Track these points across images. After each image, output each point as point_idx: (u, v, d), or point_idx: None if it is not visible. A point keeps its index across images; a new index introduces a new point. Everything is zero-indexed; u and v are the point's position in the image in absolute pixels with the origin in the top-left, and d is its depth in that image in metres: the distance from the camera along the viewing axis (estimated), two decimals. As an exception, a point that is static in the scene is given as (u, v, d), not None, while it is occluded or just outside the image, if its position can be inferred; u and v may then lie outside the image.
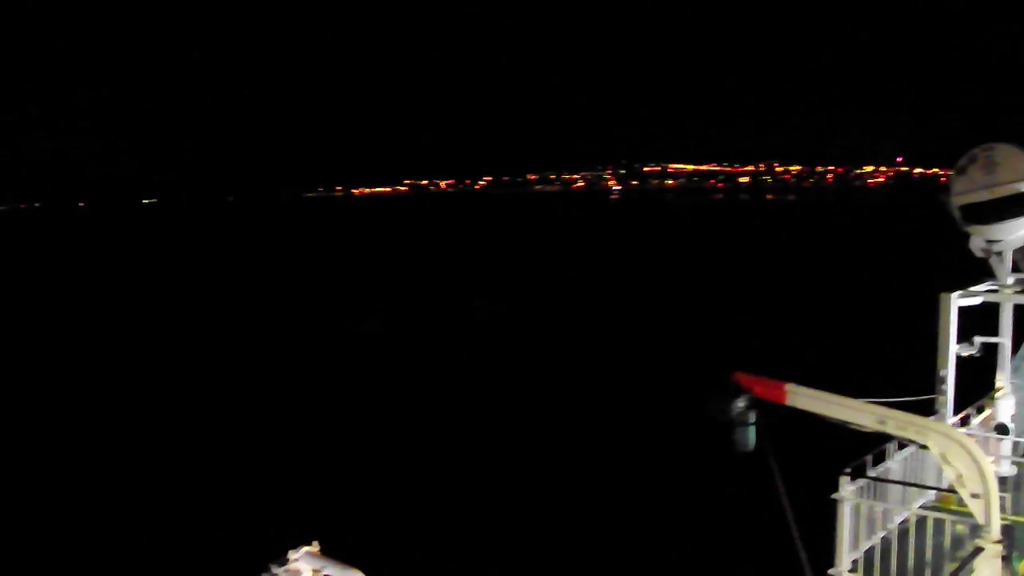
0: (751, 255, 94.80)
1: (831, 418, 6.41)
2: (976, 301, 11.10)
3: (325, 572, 4.79)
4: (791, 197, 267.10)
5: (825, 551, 8.00)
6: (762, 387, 6.51)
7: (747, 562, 18.34)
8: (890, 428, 6.20)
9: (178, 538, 23.07)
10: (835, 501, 8.33)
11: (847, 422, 6.27)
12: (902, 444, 9.34)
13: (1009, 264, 11.11)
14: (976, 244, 10.92)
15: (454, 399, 36.86)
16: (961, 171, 10.58)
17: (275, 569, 4.77)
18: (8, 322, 61.81)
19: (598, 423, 32.18)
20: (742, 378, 6.57)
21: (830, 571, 8.34)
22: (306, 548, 4.86)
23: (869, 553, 8.59)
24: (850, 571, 8.37)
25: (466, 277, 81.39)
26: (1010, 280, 11.11)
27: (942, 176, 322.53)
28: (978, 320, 11.45)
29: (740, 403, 6.42)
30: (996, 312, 11.55)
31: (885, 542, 8.62)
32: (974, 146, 10.70)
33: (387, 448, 31.12)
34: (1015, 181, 10.23)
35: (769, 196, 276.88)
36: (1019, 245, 10.82)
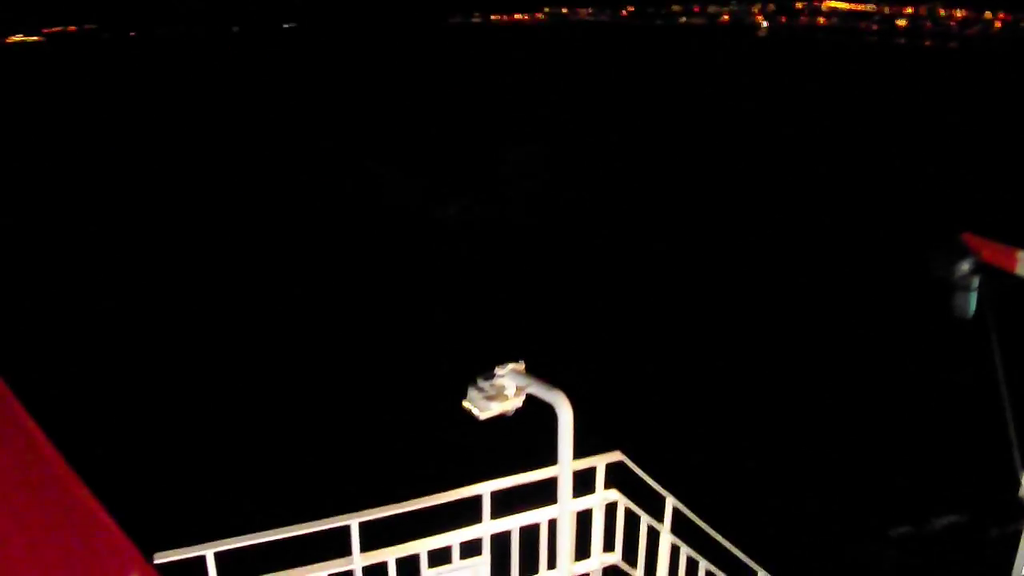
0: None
1: None
2: None
3: (529, 390, 5.04)
4: (952, 44, 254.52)
5: None
6: (992, 251, 6.08)
7: (950, 447, 18.08)
8: None
9: (387, 348, 24.64)
10: None
11: None
12: None
13: None
14: None
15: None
16: None
17: (481, 383, 5.06)
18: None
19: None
20: (971, 239, 6.15)
21: None
22: (512, 365, 5.11)
23: None
24: None
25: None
26: None
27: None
28: None
29: (965, 265, 6.01)
30: None
31: None
32: None
33: (593, 280, 31.97)
34: None
35: (927, 43, 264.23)
36: None
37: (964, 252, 6.00)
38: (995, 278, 6.01)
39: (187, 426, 21.24)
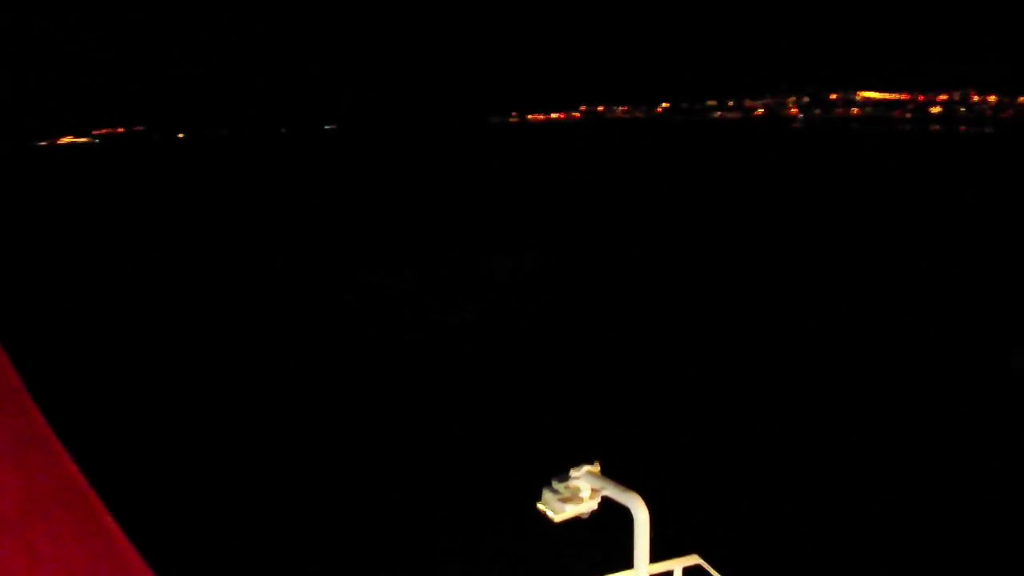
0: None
1: None
2: None
3: (604, 492, 4.97)
4: (987, 129, 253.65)
5: None
6: None
7: None
8: None
9: (462, 448, 23.80)
10: None
11: None
12: None
13: None
14: None
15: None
16: None
17: (556, 484, 5.00)
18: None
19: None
20: None
21: None
22: (587, 467, 5.06)
23: None
24: None
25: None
26: None
27: None
28: None
29: None
30: None
31: None
32: None
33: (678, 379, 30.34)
34: None
35: (962, 128, 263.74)
36: None
37: None
38: None
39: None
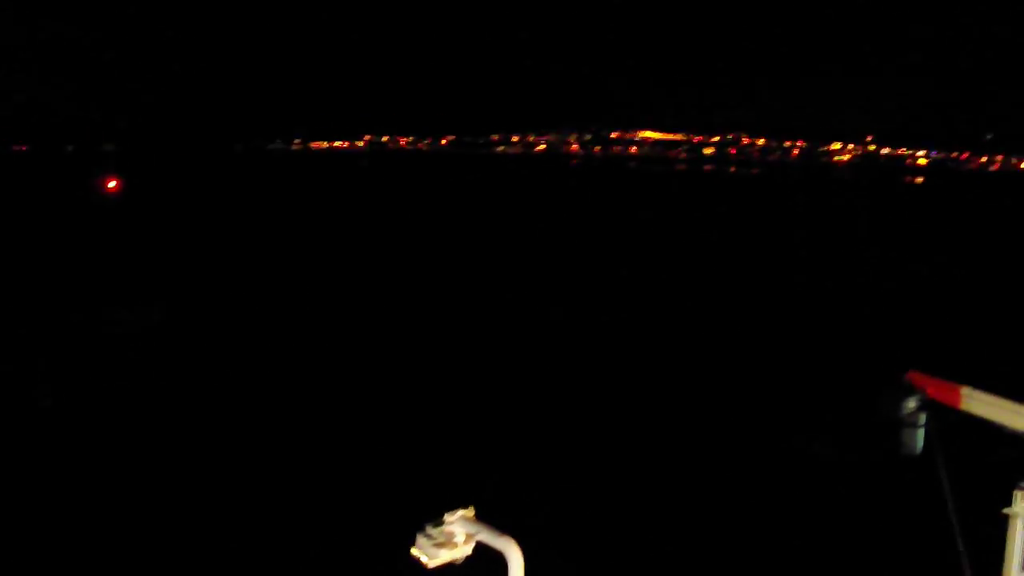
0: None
1: (1010, 427, 6.10)
2: None
3: (478, 537, 4.89)
4: (754, 171, 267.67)
5: (992, 568, 7.20)
6: (936, 388, 6.34)
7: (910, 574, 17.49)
8: None
9: (333, 494, 22.88)
10: (1006, 517, 7.13)
11: None
12: None
13: None
14: None
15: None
16: None
17: (430, 529, 4.96)
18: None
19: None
20: (916, 377, 6.39)
21: None
22: (462, 512, 4.99)
23: None
24: None
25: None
26: None
27: (908, 157, 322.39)
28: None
29: (911, 403, 6.26)
30: None
31: None
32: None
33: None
34: None
35: (732, 168, 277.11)
36: None
37: (910, 390, 6.30)
38: (941, 414, 6.29)
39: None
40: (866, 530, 20.50)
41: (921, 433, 6.25)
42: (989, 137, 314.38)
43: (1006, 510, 7.65)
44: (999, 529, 7.36)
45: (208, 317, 47.34)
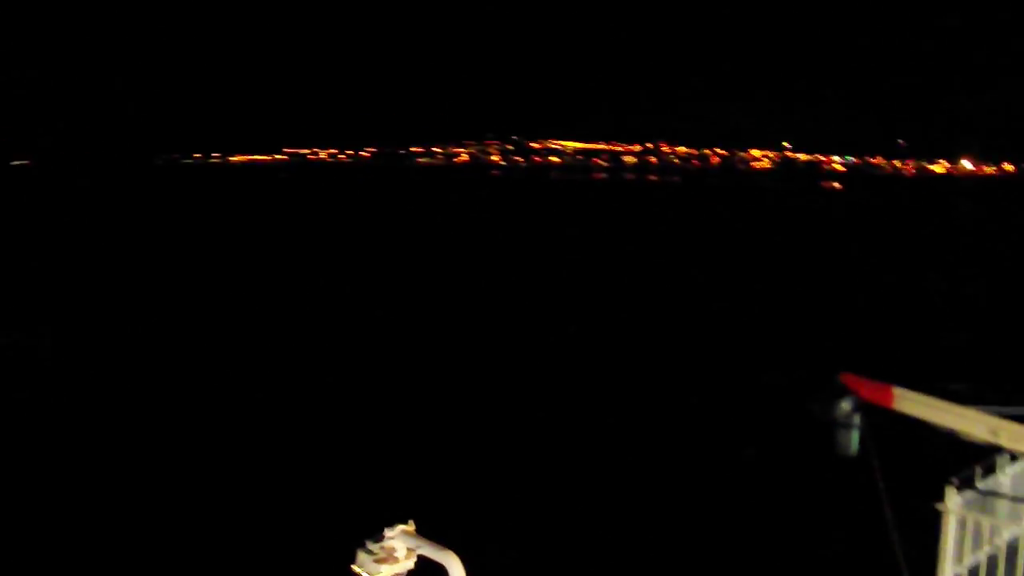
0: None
1: (941, 425, 6.18)
2: None
3: (419, 551, 4.91)
4: (675, 178, 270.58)
5: (927, 563, 7.56)
6: (868, 389, 6.36)
7: (846, 572, 17.68)
8: (1003, 440, 5.95)
9: (272, 511, 23.10)
10: (939, 512, 7.75)
11: (957, 431, 6.01)
12: (1014, 456, 8.55)
13: None
14: None
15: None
16: None
17: (370, 545, 4.92)
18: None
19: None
20: (848, 379, 6.38)
21: None
22: (402, 527, 4.98)
23: (974, 570, 8.01)
24: None
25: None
26: None
27: (825, 162, 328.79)
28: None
29: (845, 405, 6.26)
30: None
31: (991, 559, 8.03)
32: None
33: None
34: None
35: (653, 177, 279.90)
36: None
37: (843, 392, 6.25)
38: (874, 415, 6.29)
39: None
40: (803, 530, 20.57)
41: (856, 434, 6.28)
42: (901, 143, 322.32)
43: (939, 505, 7.86)
44: (933, 524, 7.78)
45: (103, 341, 45.23)
